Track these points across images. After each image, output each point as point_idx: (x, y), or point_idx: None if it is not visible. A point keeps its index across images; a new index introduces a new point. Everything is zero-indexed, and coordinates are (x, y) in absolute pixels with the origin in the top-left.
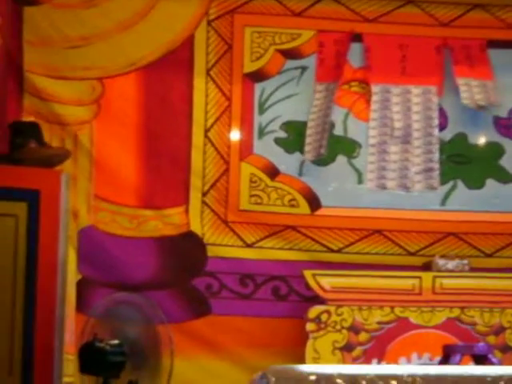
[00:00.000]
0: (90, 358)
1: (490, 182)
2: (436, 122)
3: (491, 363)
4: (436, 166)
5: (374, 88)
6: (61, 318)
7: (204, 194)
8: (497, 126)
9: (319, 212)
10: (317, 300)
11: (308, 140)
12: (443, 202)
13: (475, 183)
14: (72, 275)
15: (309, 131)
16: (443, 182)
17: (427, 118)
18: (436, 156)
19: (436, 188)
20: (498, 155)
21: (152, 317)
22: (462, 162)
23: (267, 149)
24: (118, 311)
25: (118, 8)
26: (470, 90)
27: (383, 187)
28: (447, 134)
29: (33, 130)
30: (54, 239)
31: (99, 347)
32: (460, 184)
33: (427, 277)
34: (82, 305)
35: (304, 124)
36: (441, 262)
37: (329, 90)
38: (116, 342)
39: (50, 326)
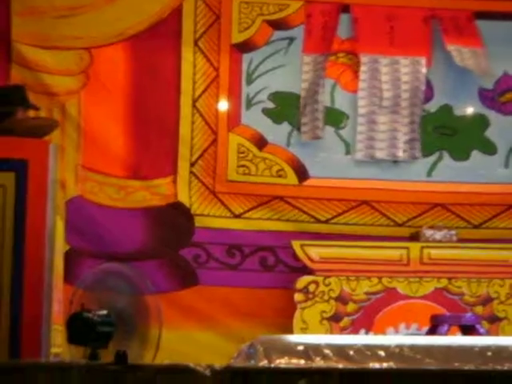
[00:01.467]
0: (78, 328)
1: (476, 154)
2: (423, 93)
3: (479, 333)
4: (418, 136)
5: (363, 58)
6: (49, 288)
7: (192, 165)
8: (482, 98)
9: (307, 183)
10: (305, 270)
11: (304, 120)
12: (429, 173)
13: (461, 154)
14: (60, 245)
15: (303, 110)
16: (429, 153)
17: (415, 89)
18: (418, 126)
19: (418, 157)
20: (484, 127)
21: (140, 287)
22: (447, 134)
23: (255, 119)
24: (105, 281)
25: None
26: (461, 55)
27: (372, 157)
28: (433, 106)
29: (18, 95)
30: (41, 209)
31: (87, 318)
32: (446, 155)
33: (415, 247)
34: (69, 275)
35: (291, 95)
36: (428, 232)
37: (317, 62)
38: (104, 312)
39: (38, 296)
